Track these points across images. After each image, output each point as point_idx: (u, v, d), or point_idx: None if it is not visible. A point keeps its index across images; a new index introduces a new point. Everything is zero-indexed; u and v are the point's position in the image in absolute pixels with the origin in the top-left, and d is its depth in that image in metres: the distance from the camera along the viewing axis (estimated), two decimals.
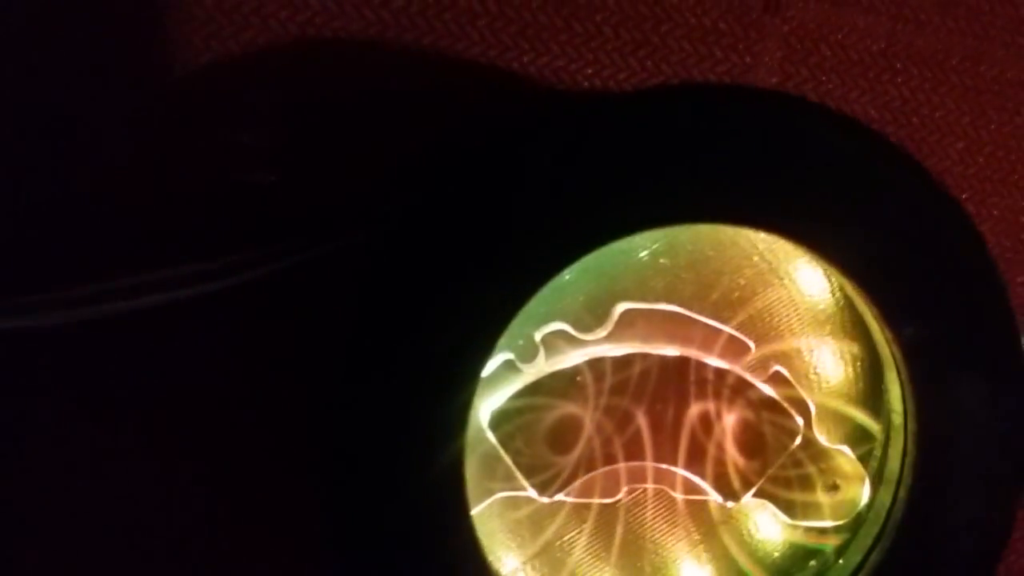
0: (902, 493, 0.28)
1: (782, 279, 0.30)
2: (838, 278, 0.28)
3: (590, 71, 0.31)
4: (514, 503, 0.29)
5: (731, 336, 0.29)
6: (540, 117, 0.29)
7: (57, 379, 0.28)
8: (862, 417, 0.30)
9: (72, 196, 0.28)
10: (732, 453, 0.29)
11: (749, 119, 0.26)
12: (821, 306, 0.30)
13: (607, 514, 0.29)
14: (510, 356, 0.28)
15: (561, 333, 0.28)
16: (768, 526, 0.30)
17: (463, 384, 0.25)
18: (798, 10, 0.32)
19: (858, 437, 0.30)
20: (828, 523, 0.30)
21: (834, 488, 0.30)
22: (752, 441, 0.29)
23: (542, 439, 0.28)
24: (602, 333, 0.28)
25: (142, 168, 0.29)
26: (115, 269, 0.28)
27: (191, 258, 0.28)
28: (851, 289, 0.27)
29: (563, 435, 0.28)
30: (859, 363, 0.30)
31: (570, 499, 0.29)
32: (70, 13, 0.28)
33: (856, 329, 0.30)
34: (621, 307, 0.28)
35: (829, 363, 0.30)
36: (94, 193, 0.29)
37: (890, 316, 0.27)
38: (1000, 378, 0.27)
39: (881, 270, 0.26)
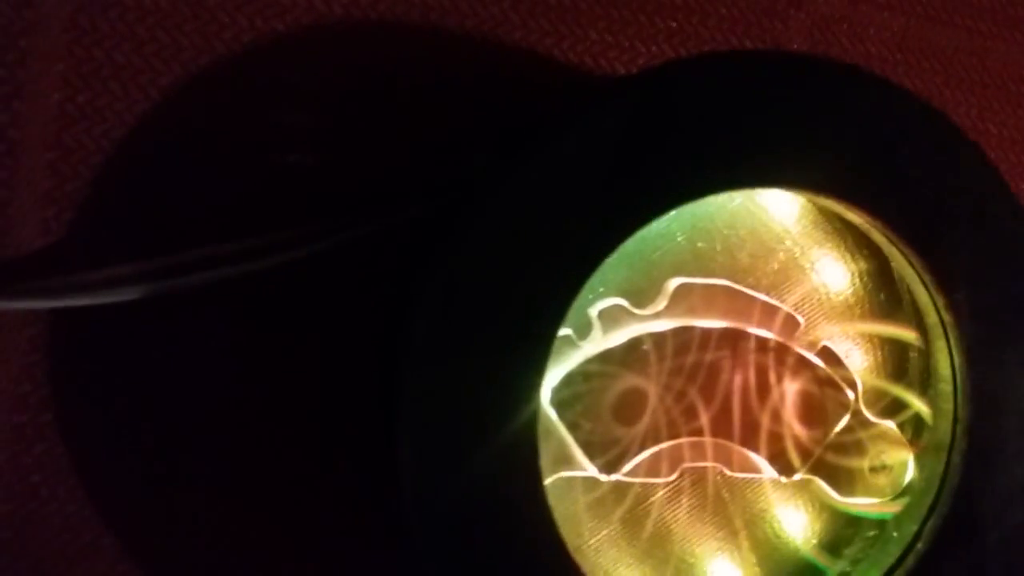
0: (955, 459, 0.28)
1: (811, 266, 0.31)
2: (881, 250, 0.28)
3: (626, 58, 0.31)
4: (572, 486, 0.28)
5: (781, 311, 0.29)
6: (593, 90, 0.29)
7: (103, 358, 0.27)
8: (907, 392, 0.30)
9: (109, 177, 0.27)
10: (787, 426, 0.29)
11: (803, 86, 0.26)
12: (846, 293, 0.31)
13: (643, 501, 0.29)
14: (568, 332, 0.28)
15: (617, 308, 0.28)
16: (819, 502, 0.30)
17: (538, 349, 0.24)
18: (820, 5, 0.33)
19: (905, 412, 0.30)
20: (874, 500, 0.30)
21: (881, 466, 0.31)
22: (806, 414, 0.29)
23: (605, 413, 0.27)
24: (658, 307, 0.28)
25: (180, 149, 0.28)
26: (154, 250, 0.27)
27: (229, 239, 0.28)
28: (901, 256, 0.28)
29: (626, 407, 0.27)
30: (896, 340, 0.31)
31: (629, 479, 0.29)
32: None
33: (888, 308, 0.31)
34: (675, 282, 0.28)
35: (867, 342, 0.31)
36: (130, 174, 0.28)
37: (942, 281, 0.27)
38: None
39: (933, 233, 0.27)
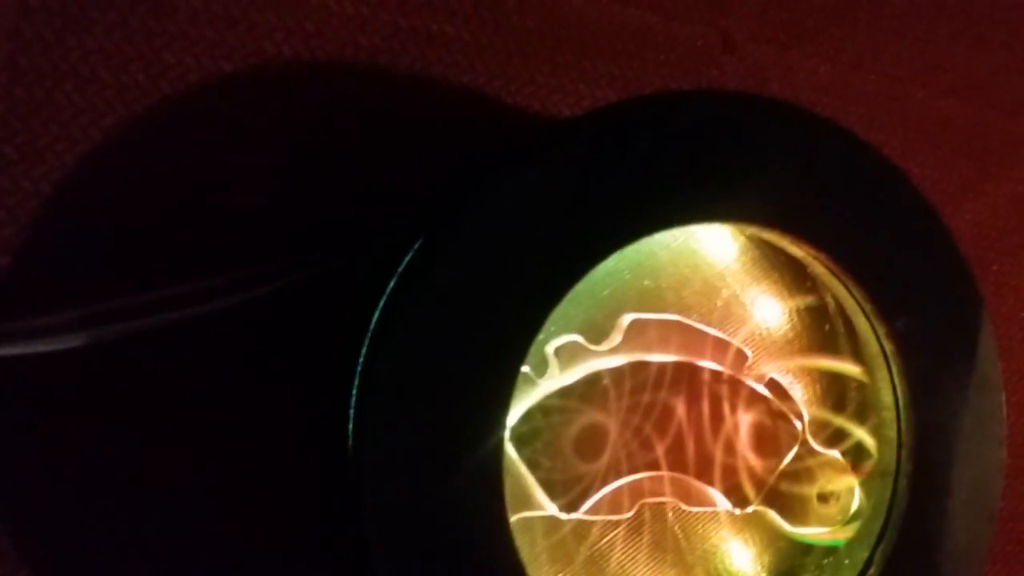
0: (901, 484, 0.29)
1: (751, 303, 0.32)
2: (817, 285, 0.29)
3: (571, 101, 0.32)
4: (530, 527, 0.28)
5: (730, 346, 0.30)
6: (541, 133, 0.29)
7: (65, 399, 0.26)
8: (849, 421, 0.31)
9: (48, 221, 0.26)
10: (741, 458, 0.30)
11: (741, 122, 0.27)
12: (785, 328, 0.32)
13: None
14: (526, 369, 0.28)
15: (573, 345, 0.28)
16: (769, 534, 0.31)
17: (501, 386, 0.24)
18: (751, 52, 0.35)
19: (848, 440, 0.31)
20: (824, 528, 0.31)
21: (829, 494, 0.31)
22: (758, 445, 0.30)
23: (565, 449, 0.27)
24: (613, 343, 0.29)
25: (122, 191, 0.27)
26: (94, 296, 0.26)
27: (173, 282, 0.27)
28: (841, 286, 0.28)
29: (586, 443, 0.27)
30: (836, 372, 0.32)
31: (589, 517, 0.29)
32: (59, 24, 0.26)
33: (828, 342, 0.32)
34: (628, 318, 0.29)
35: (808, 375, 0.32)
36: (68, 218, 0.27)
37: (883, 309, 0.28)
38: (975, 362, 0.29)
39: (872, 262, 0.28)
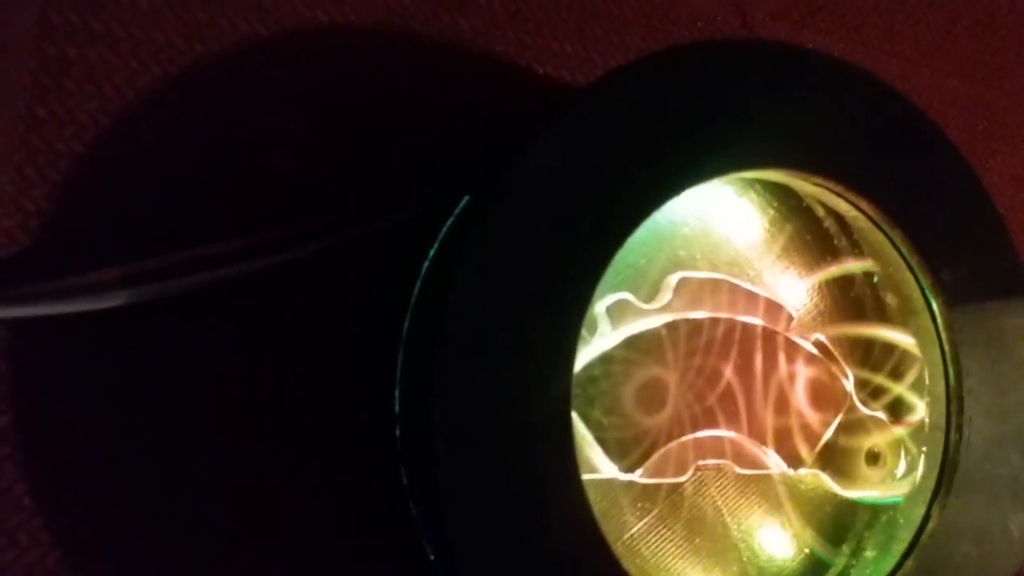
0: (952, 438, 0.29)
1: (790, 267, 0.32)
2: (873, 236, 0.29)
3: (599, 71, 0.32)
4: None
5: (777, 305, 0.30)
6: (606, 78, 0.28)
7: (100, 361, 0.24)
8: (893, 380, 0.31)
9: (81, 181, 0.25)
10: (794, 417, 0.29)
11: (791, 75, 0.27)
12: (821, 299, 0.32)
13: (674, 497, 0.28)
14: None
15: (623, 303, 0.28)
16: (815, 500, 0.30)
17: (569, 328, 0.24)
18: (767, 29, 0.35)
19: (892, 401, 0.31)
20: (874, 490, 0.30)
21: (875, 456, 0.31)
22: (811, 404, 0.29)
23: (626, 403, 0.27)
24: (662, 301, 0.28)
25: (156, 151, 0.26)
26: (126, 256, 0.25)
27: (207, 242, 0.26)
28: (891, 241, 0.28)
29: (644, 399, 0.27)
30: (877, 332, 0.32)
31: (643, 480, 0.28)
32: None
33: (871, 304, 0.31)
34: (676, 276, 0.28)
35: (849, 338, 0.32)
36: (102, 179, 0.26)
37: (929, 262, 0.28)
38: (1019, 311, 0.29)
39: (916, 217, 0.28)
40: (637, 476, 0.27)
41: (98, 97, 0.26)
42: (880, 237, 0.29)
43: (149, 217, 0.26)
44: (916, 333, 0.30)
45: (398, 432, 0.27)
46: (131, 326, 0.25)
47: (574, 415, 0.26)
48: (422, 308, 0.26)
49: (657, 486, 0.27)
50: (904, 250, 0.28)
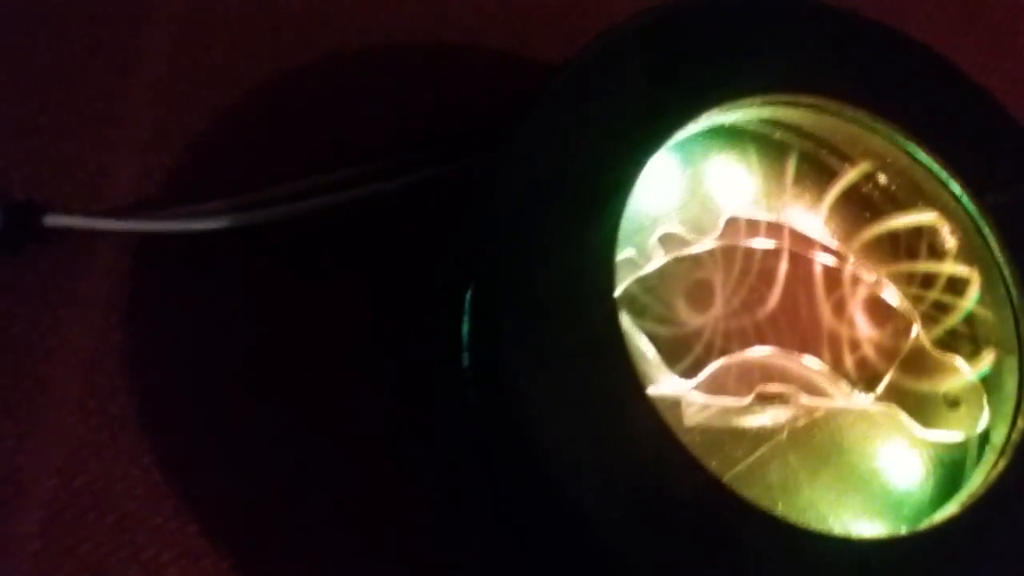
0: None
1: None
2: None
3: None
4: None
5: (833, 249, 0.31)
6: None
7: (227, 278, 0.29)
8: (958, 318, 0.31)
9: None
10: (859, 349, 0.29)
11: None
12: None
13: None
14: (631, 255, 0.29)
15: (675, 236, 0.30)
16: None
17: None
18: None
19: (962, 343, 0.31)
20: (956, 435, 0.29)
21: (954, 400, 0.30)
22: (875, 339, 0.30)
23: (674, 304, 0.28)
24: (713, 235, 0.30)
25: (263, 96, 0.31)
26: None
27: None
28: (928, 170, 0.30)
29: (696, 299, 0.28)
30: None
31: (702, 397, 0.28)
32: None
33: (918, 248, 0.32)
34: (725, 215, 0.30)
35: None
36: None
37: (973, 187, 0.29)
38: None
39: (955, 140, 0.29)
40: (692, 388, 0.28)
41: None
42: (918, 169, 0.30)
43: (251, 151, 0.30)
44: (973, 262, 0.30)
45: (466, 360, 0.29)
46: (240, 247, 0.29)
47: (629, 325, 0.28)
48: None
49: (761, 428, 0.28)
50: (943, 177, 0.30)
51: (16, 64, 0.29)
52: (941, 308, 0.31)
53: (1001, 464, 0.27)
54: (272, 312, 0.29)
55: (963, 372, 0.30)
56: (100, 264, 0.28)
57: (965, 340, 0.30)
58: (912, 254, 0.31)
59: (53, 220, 0.26)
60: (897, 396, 0.30)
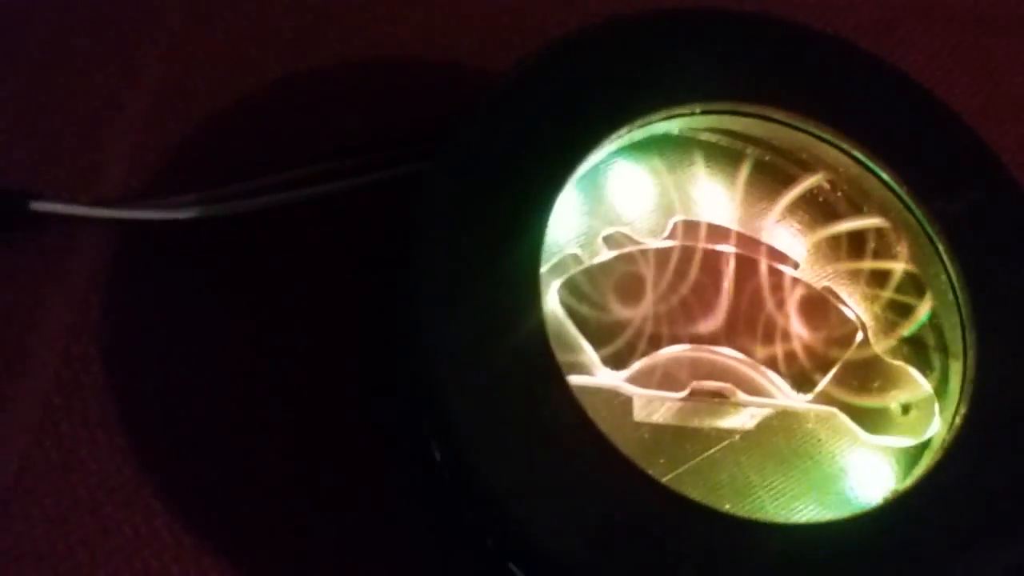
0: (970, 363, 0.28)
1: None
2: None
3: None
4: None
5: (779, 253, 0.31)
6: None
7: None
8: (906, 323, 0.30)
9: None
10: (801, 350, 0.29)
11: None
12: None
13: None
14: (577, 251, 0.30)
15: (622, 235, 0.31)
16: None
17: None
18: None
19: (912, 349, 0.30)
20: (906, 440, 0.29)
21: (906, 409, 0.30)
22: (818, 341, 0.30)
23: (608, 296, 0.29)
24: (661, 237, 0.31)
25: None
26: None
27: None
28: (878, 178, 0.30)
29: (628, 292, 0.29)
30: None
31: (637, 389, 0.29)
32: None
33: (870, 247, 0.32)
34: (675, 219, 0.31)
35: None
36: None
37: (920, 194, 0.29)
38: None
39: (902, 149, 0.30)
40: (624, 379, 0.29)
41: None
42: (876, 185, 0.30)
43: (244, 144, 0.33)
44: (923, 268, 0.30)
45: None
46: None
47: (563, 315, 0.29)
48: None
49: (714, 430, 0.29)
50: (893, 184, 0.30)
51: (17, 59, 0.32)
52: (894, 312, 0.31)
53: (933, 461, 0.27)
54: (243, 293, 0.31)
55: (915, 379, 0.30)
56: (83, 248, 0.30)
57: (915, 345, 0.30)
58: (860, 258, 0.31)
59: (40, 206, 0.29)
60: (843, 400, 0.30)
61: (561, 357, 0.27)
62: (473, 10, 0.37)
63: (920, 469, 0.28)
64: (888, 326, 0.31)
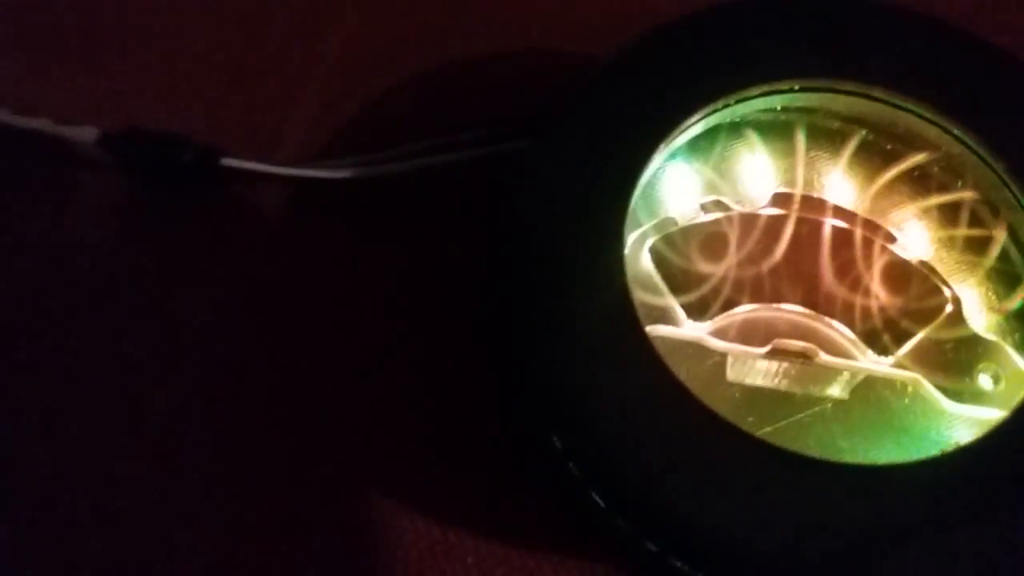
0: None
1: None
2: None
3: None
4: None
5: (877, 226, 0.32)
6: None
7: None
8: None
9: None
10: (887, 318, 0.31)
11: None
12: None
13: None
14: (674, 216, 0.33)
15: (719, 203, 0.33)
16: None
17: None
18: None
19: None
20: (991, 412, 0.29)
21: (997, 381, 0.30)
22: (907, 310, 0.31)
23: (697, 255, 0.31)
24: (758, 206, 0.33)
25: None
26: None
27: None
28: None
29: (716, 251, 0.31)
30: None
31: (716, 342, 0.31)
32: None
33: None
34: (772, 190, 0.33)
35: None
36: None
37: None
38: None
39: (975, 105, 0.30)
40: (708, 332, 0.31)
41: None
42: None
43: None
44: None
45: None
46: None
47: (654, 271, 0.31)
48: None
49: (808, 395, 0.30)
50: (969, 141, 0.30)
51: (224, 34, 0.39)
52: (996, 285, 0.31)
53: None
54: (388, 243, 0.36)
55: (1007, 353, 0.30)
56: (262, 201, 0.37)
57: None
58: (955, 227, 0.32)
59: (229, 162, 0.36)
60: (930, 370, 0.31)
61: (649, 310, 0.30)
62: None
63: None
64: (990, 301, 0.31)
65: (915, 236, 0.32)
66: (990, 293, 0.31)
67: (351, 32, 0.40)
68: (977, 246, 0.32)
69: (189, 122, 0.37)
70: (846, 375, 0.31)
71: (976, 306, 0.31)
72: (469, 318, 0.35)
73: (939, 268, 0.32)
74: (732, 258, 0.31)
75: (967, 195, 0.32)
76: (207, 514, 0.32)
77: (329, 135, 0.38)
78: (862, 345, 0.31)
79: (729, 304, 0.31)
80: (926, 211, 0.33)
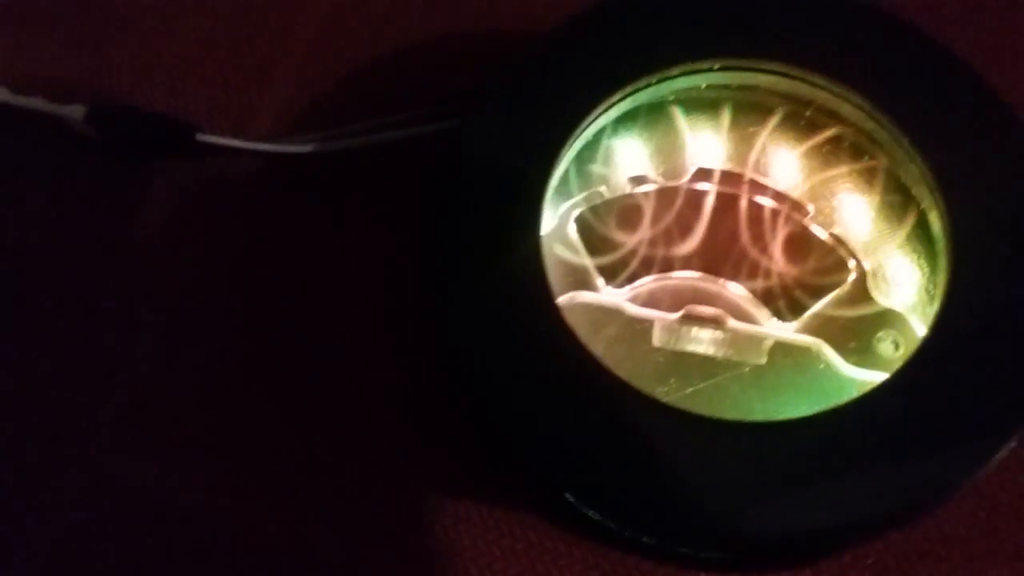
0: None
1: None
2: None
3: None
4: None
5: (788, 198, 0.34)
6: None
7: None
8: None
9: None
10: (792, 284, 0.33)
11: None
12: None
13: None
14: (602, 189, 0.35)
15: (646, 178, 0.35)
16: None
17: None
18: None
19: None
20: (884, 373, 0.31)
21: (897, 347, 0.32)
22: (811, 276, 0.33)
23: (617, 226, 0.33)
24: (680, 181, 0.35)
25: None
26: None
27: None
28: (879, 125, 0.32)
29: (635, 223, 0.33)
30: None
31: (633, 308, 0.33)
32: None
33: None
34: (695, 165, 0.35)
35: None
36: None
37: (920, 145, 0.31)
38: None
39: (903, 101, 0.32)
40: (626, 299, 0.33)
41: None
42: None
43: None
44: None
45: None
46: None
47: (576, 240, 0.34)
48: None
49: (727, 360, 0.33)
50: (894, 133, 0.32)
51: (197, 17, 0.42)
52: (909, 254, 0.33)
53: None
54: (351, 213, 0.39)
55: (907, 321, 0.32)
56: (235, 175, 0.39)
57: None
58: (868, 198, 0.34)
59: (204, 137, 0.39)
60: (833, 334, 0.33)
61: (569, 277, 0.33)
62: None
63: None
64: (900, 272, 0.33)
65: (829, 209, 0.34)
66: (904, 263, 0.33)
67: (324, 11, 0.43)
68: (890, 218, 0.34)
69: (166, 99, 0.40)
70: (767, 341, 0.33)
71: (886, 276, 0.33)
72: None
73: (850, 240, 0.34)
74: (648, 230, 0.34)
75: (878, 165, 0.33)
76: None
77: (303, 111, 0.41)
78: (766, 312, 0.33)
79: (644, 271, 0.33)
80: (840, 184, 0.34)
